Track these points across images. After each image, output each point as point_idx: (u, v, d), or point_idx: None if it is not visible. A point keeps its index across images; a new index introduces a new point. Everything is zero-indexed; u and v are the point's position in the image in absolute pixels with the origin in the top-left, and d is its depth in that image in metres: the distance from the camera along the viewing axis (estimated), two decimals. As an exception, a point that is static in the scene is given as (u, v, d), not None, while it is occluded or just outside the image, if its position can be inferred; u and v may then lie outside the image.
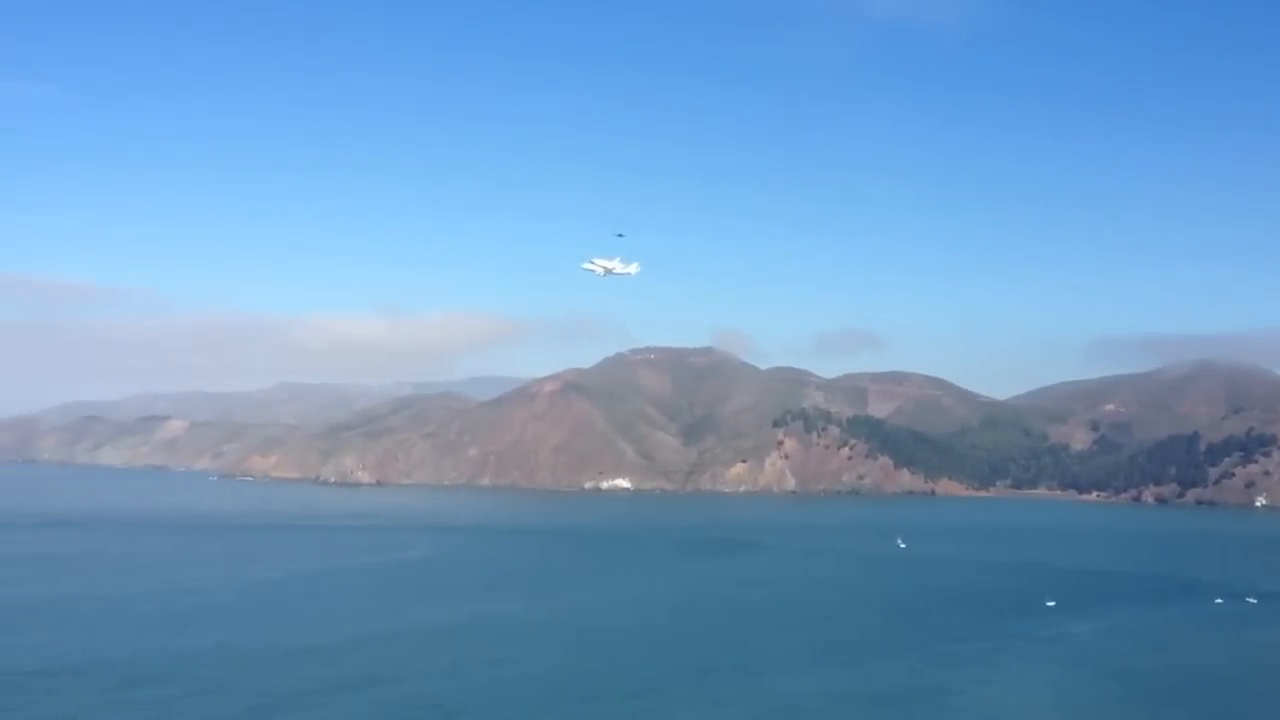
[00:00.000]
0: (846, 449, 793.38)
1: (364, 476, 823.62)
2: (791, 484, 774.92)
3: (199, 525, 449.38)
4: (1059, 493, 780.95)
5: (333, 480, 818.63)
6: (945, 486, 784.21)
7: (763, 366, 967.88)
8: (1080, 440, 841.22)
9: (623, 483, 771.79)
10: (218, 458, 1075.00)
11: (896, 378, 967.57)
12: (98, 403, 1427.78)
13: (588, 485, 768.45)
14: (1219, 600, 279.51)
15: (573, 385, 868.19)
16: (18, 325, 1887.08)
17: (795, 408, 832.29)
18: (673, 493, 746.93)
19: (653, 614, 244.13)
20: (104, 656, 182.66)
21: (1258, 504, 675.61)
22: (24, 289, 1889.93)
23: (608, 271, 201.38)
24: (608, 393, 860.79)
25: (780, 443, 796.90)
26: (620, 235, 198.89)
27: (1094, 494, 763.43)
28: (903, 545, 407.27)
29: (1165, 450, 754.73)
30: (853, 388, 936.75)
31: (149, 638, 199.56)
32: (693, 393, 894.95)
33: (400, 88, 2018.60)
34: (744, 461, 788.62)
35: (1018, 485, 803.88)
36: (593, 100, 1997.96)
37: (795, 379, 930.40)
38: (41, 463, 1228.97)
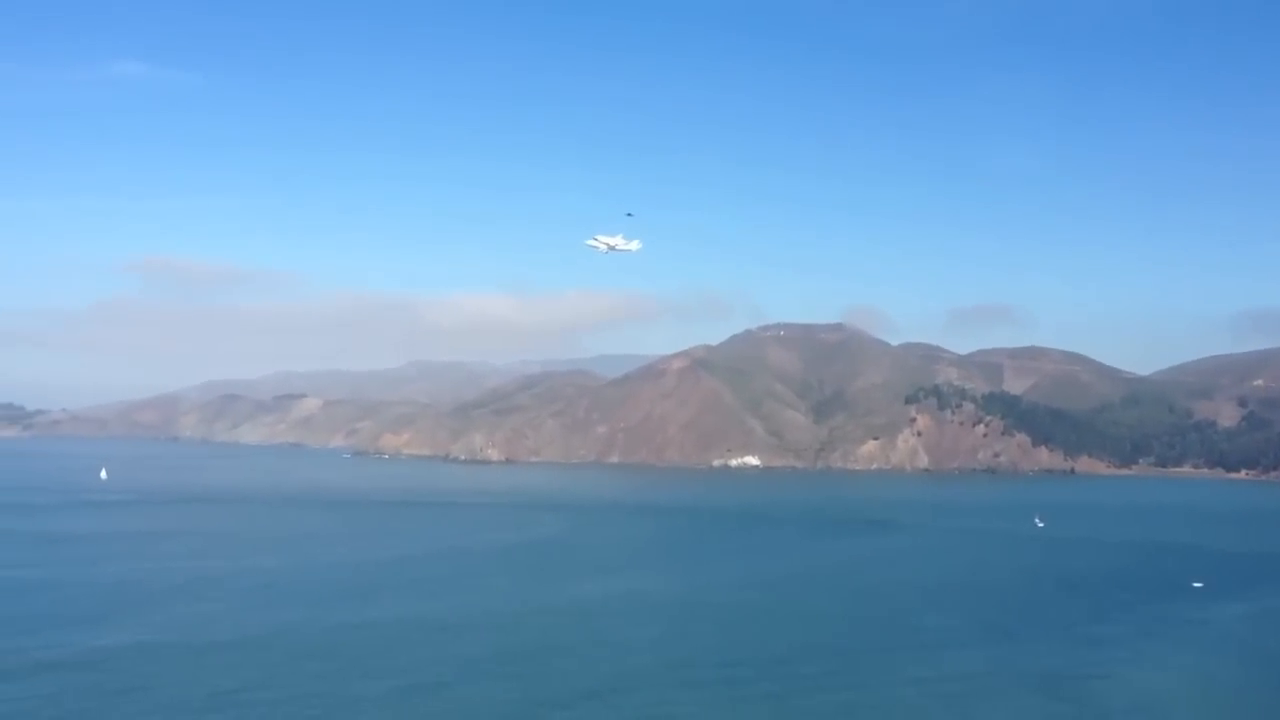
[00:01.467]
0: (982, 426, 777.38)
1: (493, 454, 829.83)
2: (925, 462, 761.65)
3: (334, 502, 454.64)
4: (1205, 471, 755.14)
5: (462, 458, 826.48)
6: (1085, 465, 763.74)
7: (894, 342, 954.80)
8: (1228, 417, 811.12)
9: (752, 460, 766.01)
10: (351, 435, 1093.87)
11: (1033, 353, 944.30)
12: (237, 381, 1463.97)
13: (716, 463, 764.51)
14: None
15: (701, 362, 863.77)
16: (163, 306, 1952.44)
17: (928, 384, 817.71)
18: (803, 470, 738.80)
19: (788, 592, 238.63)
20: (253, 632, 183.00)
21: None
22: (169, 271, 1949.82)
23: (610, 248, 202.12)
24: (736, 370, 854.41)
25: (913, 420, 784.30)
26: (629, 214, 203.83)
27: (1242, 472, 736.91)
28: (1041, 524, 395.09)
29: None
30: (987, 363, 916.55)
31: (295, 613, 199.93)
32: (823, 369, 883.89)
33: (531, 70, 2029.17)
34: (876, 439, 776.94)
35: (1161, 463, 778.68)
36: (718, 78, 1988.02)
37: (928, 355, 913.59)
38: (183, 440, 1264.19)
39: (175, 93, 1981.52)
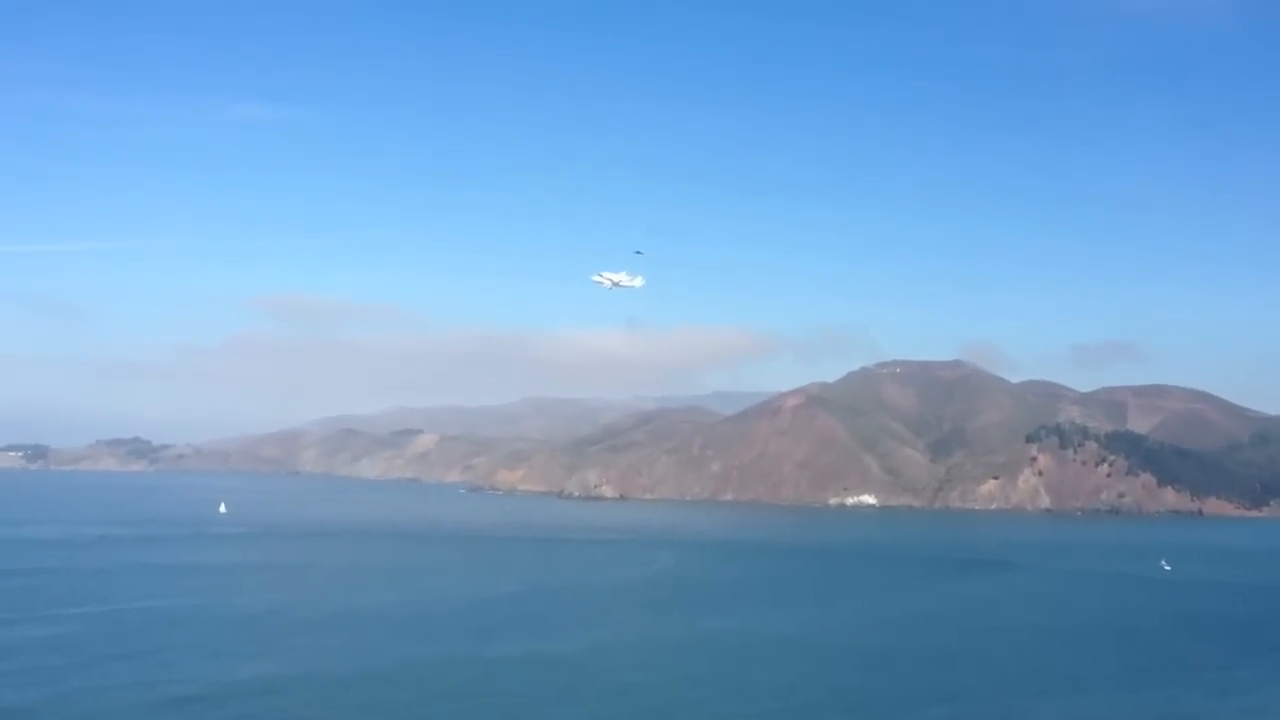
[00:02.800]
0: (1105, 466, 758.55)
1: (607, 491, 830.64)
2: (1046, 502, 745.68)
3: (451, 537, 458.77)
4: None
5: (577, 494, 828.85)
6: (1213, 506, 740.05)
7: (1014, 380, 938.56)
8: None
9: (868, 499, 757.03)
10: (467, 471, 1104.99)
11: (1157, 391, 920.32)
12: (355, 416, 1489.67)
13: (832, 501, 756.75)
14: None
15: (816, 400, 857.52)
16: (286, 342, 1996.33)
17: (1049, 422, 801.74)
18: (920, 509, 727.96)
19: (909, 633, 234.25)
20: (377, 666, 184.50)
21: None
22: (292, 307, 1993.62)
23: (615, 284, 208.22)
24: (852, 407, 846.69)
25: (1033, 459, 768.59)
26: (639, 253, 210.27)
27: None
28: (1167, 567, 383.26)
29: None
30: (1111, 401, 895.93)
31: (417, 647, 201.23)
32: (940, 407, 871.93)
33: (658, 112, 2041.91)
34: (995, 478, 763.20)
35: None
36: (828, 117, 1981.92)
37: (1049, 392, 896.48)
38: (304, 474, 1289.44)
39: (296, 133, 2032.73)
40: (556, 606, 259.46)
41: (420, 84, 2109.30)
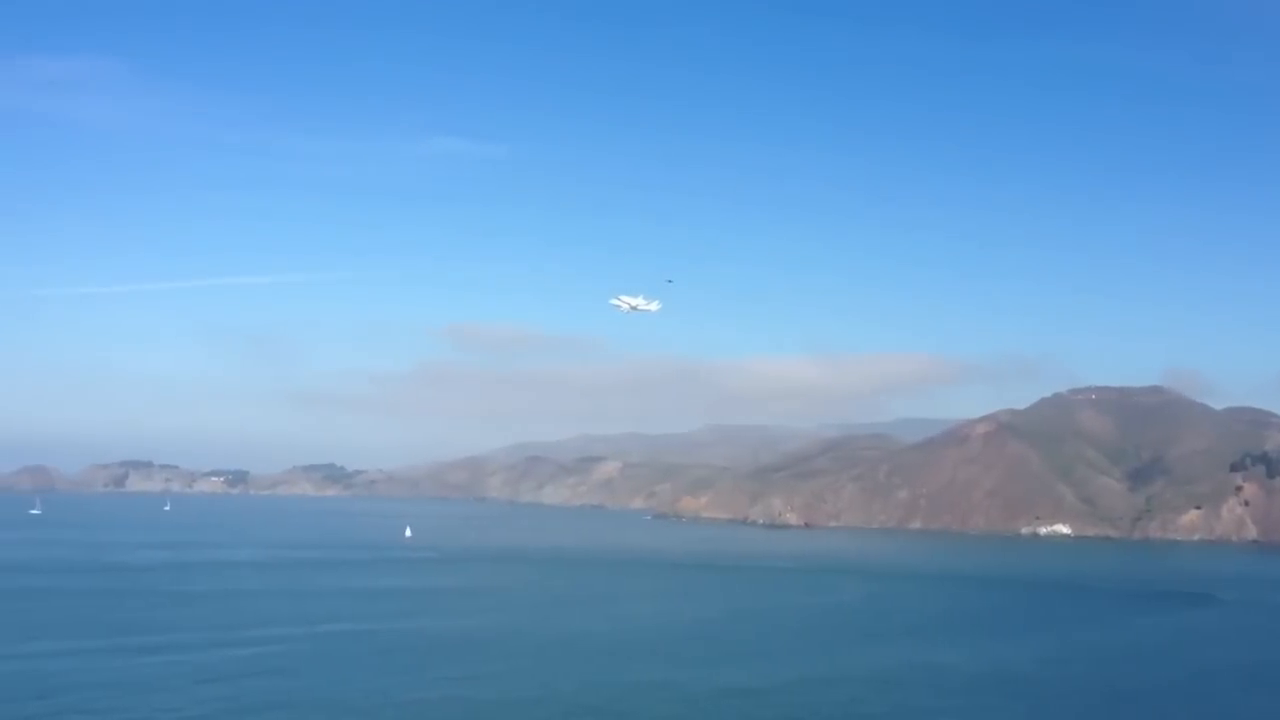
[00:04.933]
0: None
1: (792, 518, 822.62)
2: (1252, 533, 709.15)
3: (634, 563, 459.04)
4: None
5: (761, 521, 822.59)
6: None
7: (1218, 406, 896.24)
8: None
9: (1062, 529, 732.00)
10: (650, 497, 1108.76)
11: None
12: (541, 443, 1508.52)
13: (1024, 531, 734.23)
14: None
15: (1007, 427, 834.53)
16: (474, 371, 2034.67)
17: (1256, 450, 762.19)
18: (1117, 540, 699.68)
19: (1106, 668, 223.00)
20: (554, 689, 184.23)
21: None
22: (479, 337, 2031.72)
23: (633, 308, 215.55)
24: (1044, 434, 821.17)
25: (1239, 488, 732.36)
26: (670, 281, 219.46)
27: None
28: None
29: None
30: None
31: (600, 672, 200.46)
32: (1139, 434, 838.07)
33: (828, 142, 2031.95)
34: (1197, 508, 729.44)
35: None
36: (1053, 135, 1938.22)
37: (1255, 419, 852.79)
38: (489, 500, 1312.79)
39: (488, 166, 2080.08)
40: (744, 635, 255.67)
41: (608, 119, 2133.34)
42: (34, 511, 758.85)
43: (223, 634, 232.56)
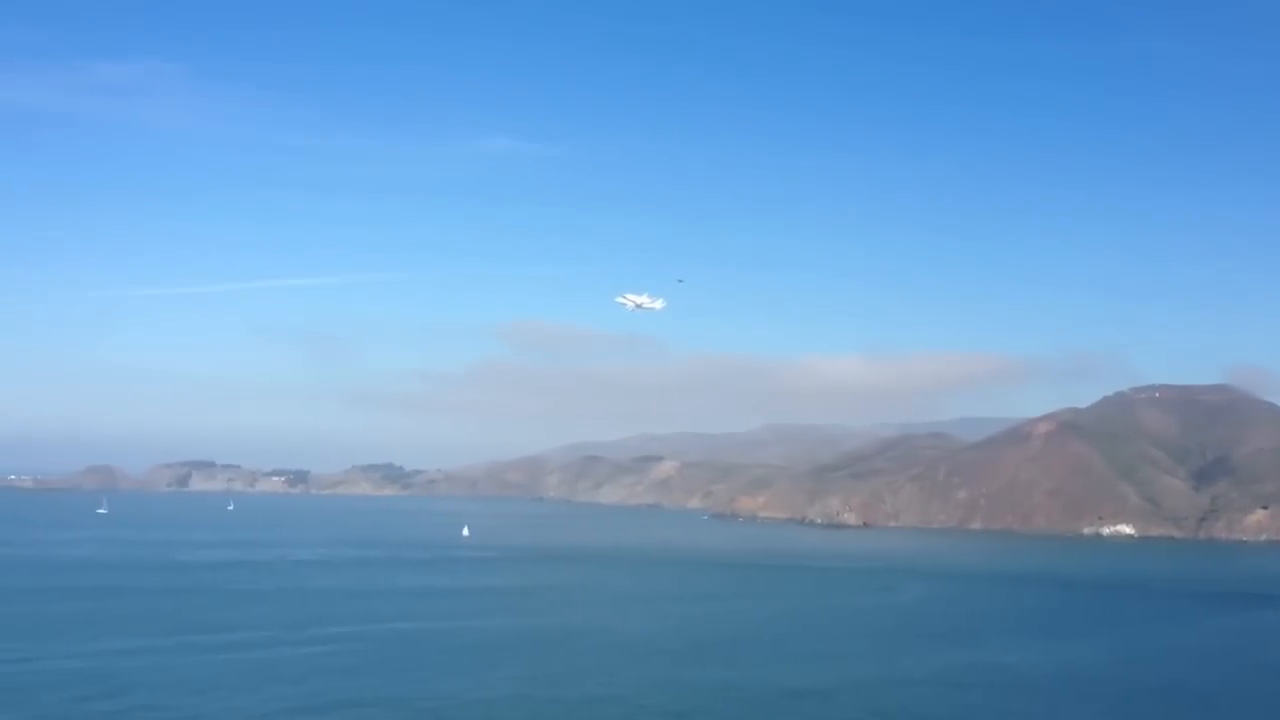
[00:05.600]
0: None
1: (850, 518, 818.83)
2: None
3: (692, 563, 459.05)
4: None
5: (819, 521, 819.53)
6: None
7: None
8: None
9: (1125, 529, 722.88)
10: (707, 497, 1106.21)
11: None
12: (598, 443, 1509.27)
13: (1086, 531, 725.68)
14: None
15: (1069, 425, 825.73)
16: (531, 371, 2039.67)
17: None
18: (1182, 540, 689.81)
19: (1174, 670, 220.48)
20: (611, 689, 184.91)
21: None
22: (537, 336, 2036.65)
23: (638, 306, 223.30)
24: (1107, 433, 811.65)
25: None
26: (680, 280, 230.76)
27: None
28: None
29: None
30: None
31: (658, 671, 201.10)
32: (1204, 433, 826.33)
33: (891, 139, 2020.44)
34: (1264, 508, 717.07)
35: None
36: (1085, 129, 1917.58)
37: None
38: (547, 499, 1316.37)
39: (543, 166, 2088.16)
40: (803, 635, 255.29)
41: (664, 120, 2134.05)
42: (101, 511, 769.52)
43: (288, 633, 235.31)
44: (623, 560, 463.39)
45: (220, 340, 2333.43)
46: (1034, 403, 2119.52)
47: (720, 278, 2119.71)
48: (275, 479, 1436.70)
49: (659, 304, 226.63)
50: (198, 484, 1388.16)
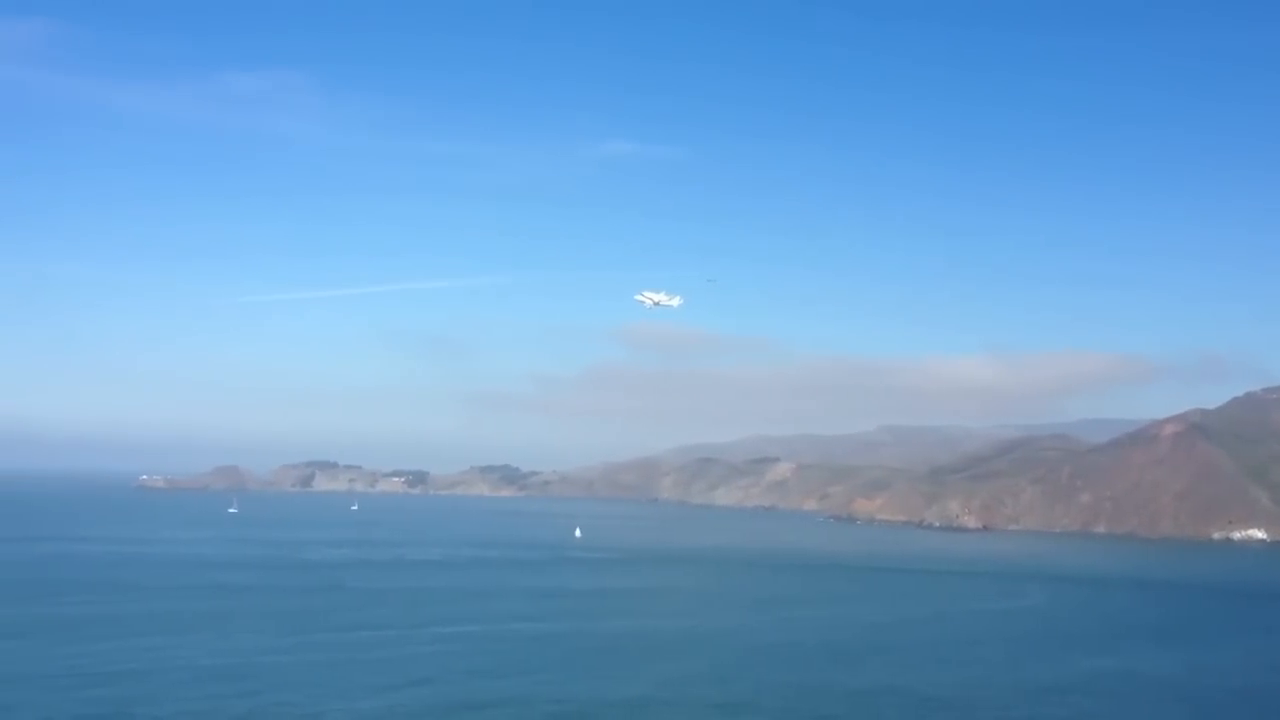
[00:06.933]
0: None
1: (969, 521, 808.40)
2: None
3: (809, 566, 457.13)
4: None
5: (937, 524, 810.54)
6: None
7: None
8: None
9: (1257, 533, 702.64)
10: (823, 499, 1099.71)
11: None
12: (712, 445, 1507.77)
13: (1215, 535, 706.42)
14: None
15: (1197, 427, 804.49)
16: (646, 372, 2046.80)
17: None
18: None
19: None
20: (728, 690, 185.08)
21: None
22: (651, 338, 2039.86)
23: (655, 303, 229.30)
24: (1237, 435, 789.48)
25: None
26: (711, 280, 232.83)
27: None
28: None
29: None
30: None
31: (769, 673, 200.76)
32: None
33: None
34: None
35: None
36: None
37: None
38: (661, 501, 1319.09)
39: (660, 168, 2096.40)
40: (921, 639, 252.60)
41: (779, 120, 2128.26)
42: (232, 510, 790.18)
43: (412, 631, 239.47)
44: (740, 562, 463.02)
45: (343, 343, 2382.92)
46: (1161, 404, 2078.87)
47: (841, 281, 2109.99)
48: (395, 479, 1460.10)
49: (676, 301, 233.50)
50: (321, 484, 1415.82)
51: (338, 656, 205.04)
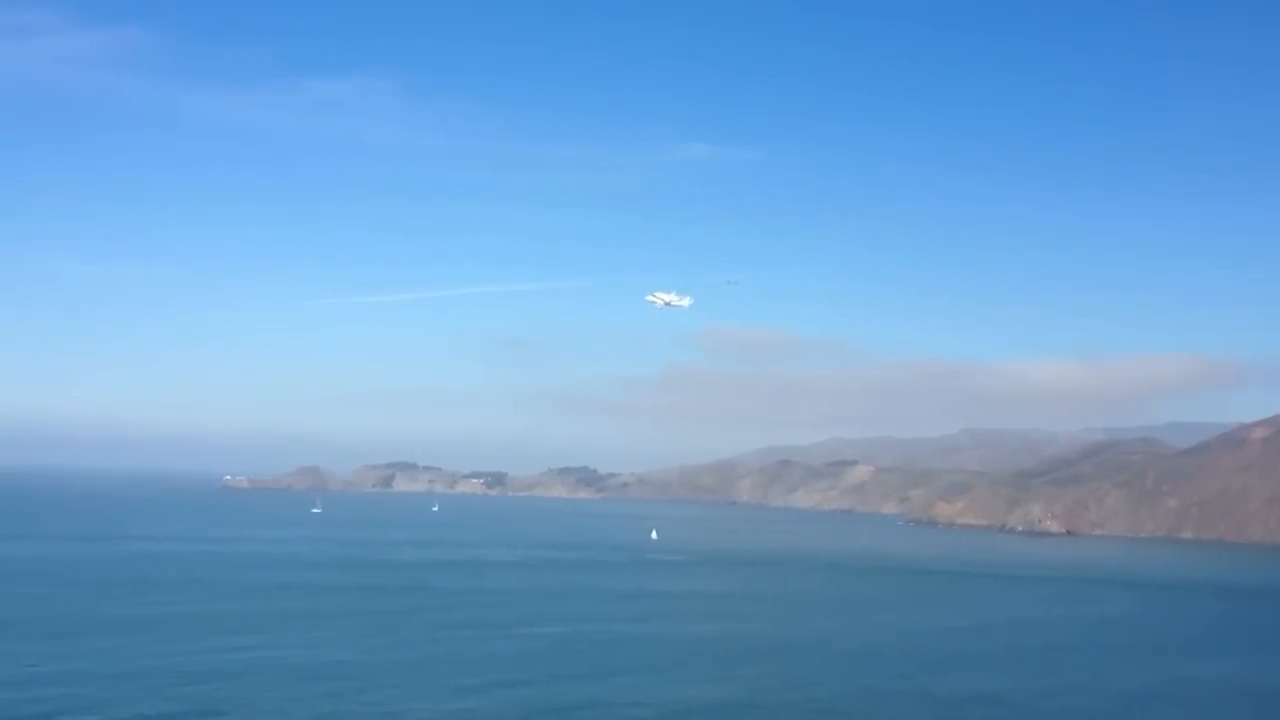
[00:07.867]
0: None
1: (1052, 526, 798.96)
2: None
3: (889, 569, 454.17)
4: None
5: (1019, 529, 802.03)
6: None
7: None
8: None
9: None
10: (903, 502, 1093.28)
11: None
12: (790, 447, 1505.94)
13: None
14: None
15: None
16: (724, 374, 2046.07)
17: None
18: None
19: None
20: (808, 694, 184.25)
21: None
22: (730, 340, 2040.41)
23: (666, 304, 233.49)
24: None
25: None
26: (730, 282, 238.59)
27: None
28: None
29: None
30: None
31: (849, 678, 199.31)
32: None
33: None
34: None
35: None
36: None
37: None
38: (740, 504, 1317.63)
39: (741, 169, 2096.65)
40: (1005, 646, 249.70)
41: (860, 121, 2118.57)
42: (315, 510, 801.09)
43: (492, 630, 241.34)
44: (821, 566, 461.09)
45: (424, 346, 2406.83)
46: (1249, 407, 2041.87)
47: (920, 283, 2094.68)
48: (474, 480, 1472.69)
49: (686, 301, 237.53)
50: (401, 485, 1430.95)
51: (422, 656, 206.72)
